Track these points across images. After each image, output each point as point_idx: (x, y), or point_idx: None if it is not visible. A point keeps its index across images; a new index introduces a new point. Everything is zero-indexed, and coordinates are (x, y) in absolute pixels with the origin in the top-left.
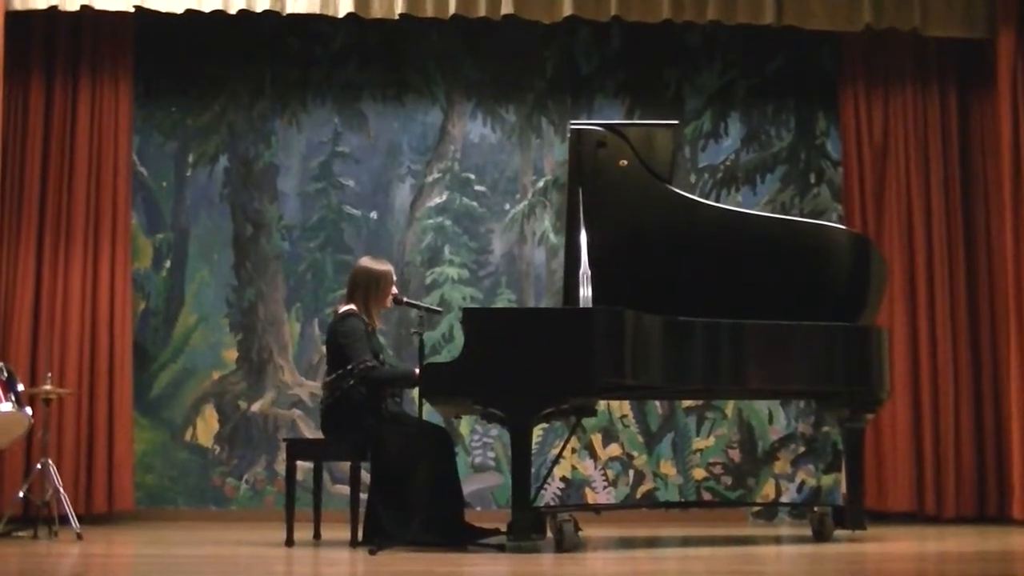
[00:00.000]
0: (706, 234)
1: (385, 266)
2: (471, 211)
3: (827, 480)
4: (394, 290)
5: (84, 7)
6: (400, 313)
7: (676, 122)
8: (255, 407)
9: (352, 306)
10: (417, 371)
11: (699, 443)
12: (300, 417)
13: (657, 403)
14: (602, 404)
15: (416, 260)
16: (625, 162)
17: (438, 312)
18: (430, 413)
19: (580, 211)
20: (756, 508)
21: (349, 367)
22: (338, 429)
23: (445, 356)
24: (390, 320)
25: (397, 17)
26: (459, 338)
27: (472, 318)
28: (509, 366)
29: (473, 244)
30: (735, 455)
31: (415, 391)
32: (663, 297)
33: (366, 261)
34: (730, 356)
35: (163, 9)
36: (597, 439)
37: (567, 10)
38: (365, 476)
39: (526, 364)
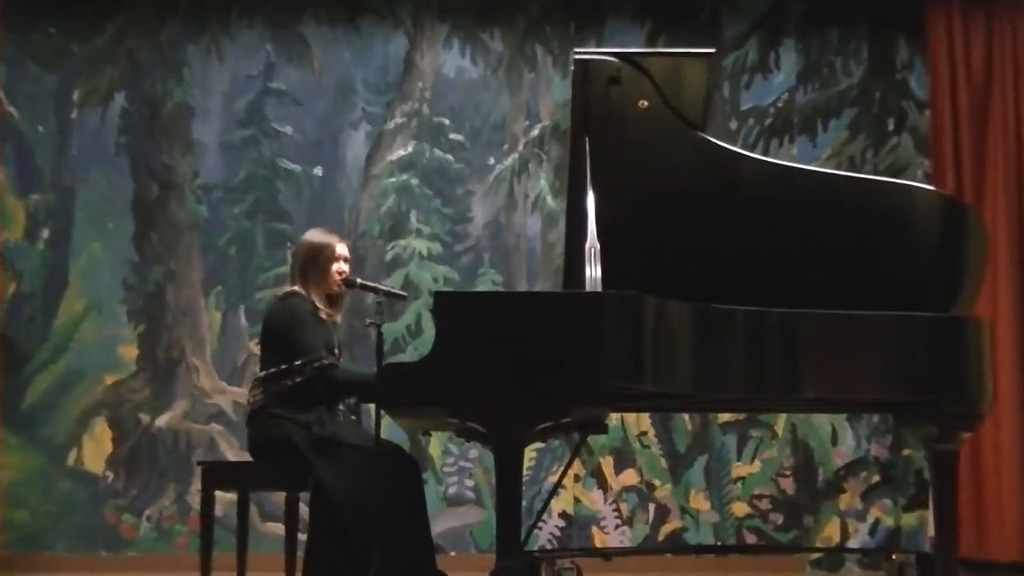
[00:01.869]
0: (750, 197)
1: (322, 238)
2: (445, 167)
3: (909, 519)
4: (341, 267)
5: None
6: (353, 299)
7: (712, 50)
8: (161, 421)
9: (295, 287)
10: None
11: (741, 469)
12: (221, 434)
13: (686, 417)
14: (614, 418)
15: (373, 230)
16: (645, 104)
17: (401, 297)
18: (390, 428)
19: (586, 167)
20: (816, 555)
21: (300, 362)
22: (271, 448)
23: (410, 354)
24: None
25: None
26: (429, 331)
27: (445, 305)
28: (493, 367)
29: (447, 210)
30: (788, 485)
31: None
32: (693, 279)
33: (306, 234)
34: (781, 356)
35: None
36: (608, 463)
37: None
38: (305, 511)
39: (515, 365)
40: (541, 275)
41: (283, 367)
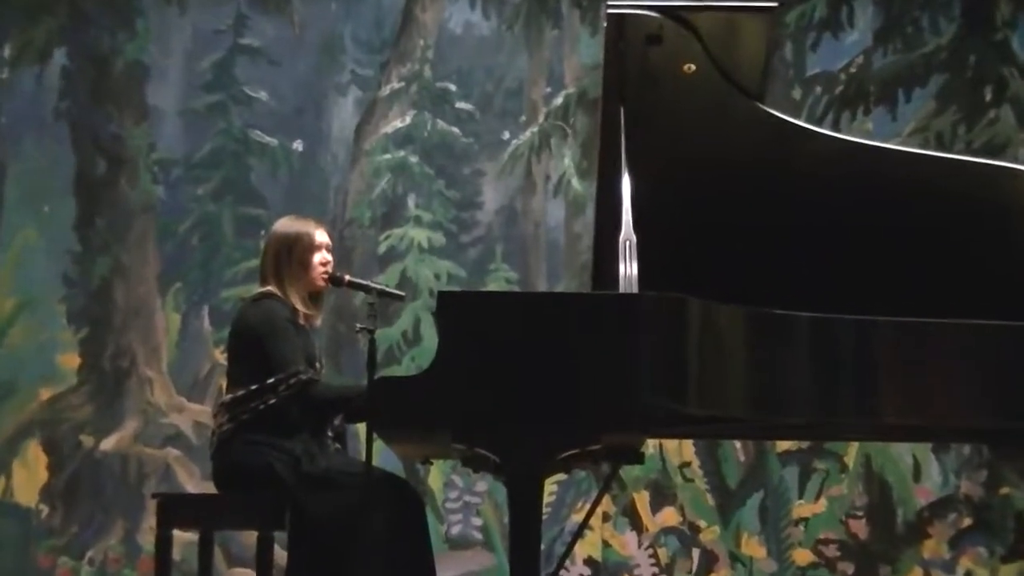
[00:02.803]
0: (817, 181)
1: (299, 226)
2: (450, 142)
3: (1008, 572)
4: (325, 256)
5: None
6: (338, 300)
7: (774, 4)
8: (107, 444)
9: (269, 287)
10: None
11: (803, 508)
12: (179, 460)
13: (737, 445)
14: (651, 445)
15: (363, 217)
16: (692, 67)
17: (397, 297)
18: (384, 455)
19: (620, 144)
20: None
21: (273, 379)
22: (245, 478)
23: (407, 366)
24: (325, 308)
25: None
26: (429, 338)
27: (450, 307)
28: (507, 382)
29: (452, 193)
30: (860, 529)
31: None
32: (748, 278)
33: (279, 222)
34: (854, 372)
35: None
36: (643, 499)
37: None
38: (282, 554)
39: (533, 380)
40: (564, 272)
41: (253, 388)
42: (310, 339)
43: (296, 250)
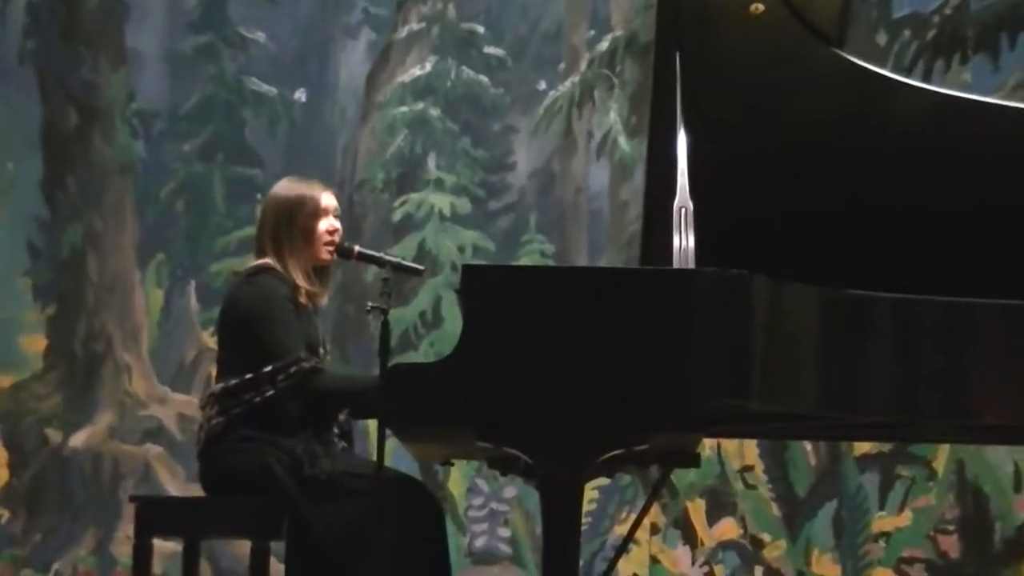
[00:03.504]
0: (905, 141)
1: (301, 188)
2: (477, 93)
3: None
4: (332, 223)
5: None
6: (346, 274)
7: None
8: (77, 440)
9: (266, 260)
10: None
11: (885, 521)
12: (160, 458)
13: (808, 447)
14: (708, 446)
15: (376, 179)
16: (760, 7)
17: (414, 272)
18: (397, 455)
19: (676, 96)
20: None
21: (271, 368)
22: (237, 480)
23: (425, 352)
24: (331, 285)
25: None
26: (452, 320)
27: (476, 285)
28: (541, 372)
29: (480, 153)
30: (951, 545)
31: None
32: (822, 253)
33: (278, 185)
34: (945, 364)
35: None
36: (697, 509)
37: None
38: (279, 568)
39: (571, 369)
40: (608, 245)
41: (247, 377)
42: (313, 321)
43: (299, 217)
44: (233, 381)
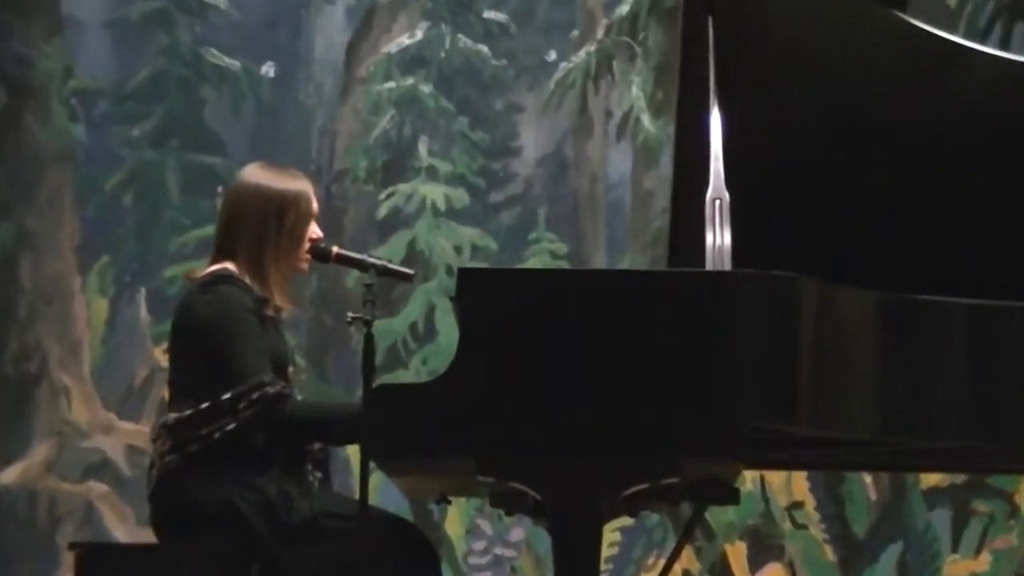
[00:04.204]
0: (977, 116)
1: (292, 182)
2: (476, 66)
3: None
4: (313, 231)
5: None
6: (324, 279)
7: None
8: (8, 476)
9: (227, 264)
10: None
11: (958, 565)
12: (106, 497)
13: (867, 479)
14: (749, 479)
15: (358, 168)
16: None
17: (403, 277)
18: (384, 491)
19: (708, 69)
20: None
21: (230, 394)
22: (190, 520)
23: (417, 370)
24: (302, 295)
25: None
26: (447, 333)
27: (475, 291)
28: (552, 393)
29: (479, 136)
30: None
31: (351, 447)
32: (879, 252)
33: (253, 172)
34: None
35: None
36: (738, 553)
37: None
38: None
39: (587, 390)
40: (631, 243)
41: (203, 407)
42: (280, 335)
43: (289, 217)
44: (187, 411)
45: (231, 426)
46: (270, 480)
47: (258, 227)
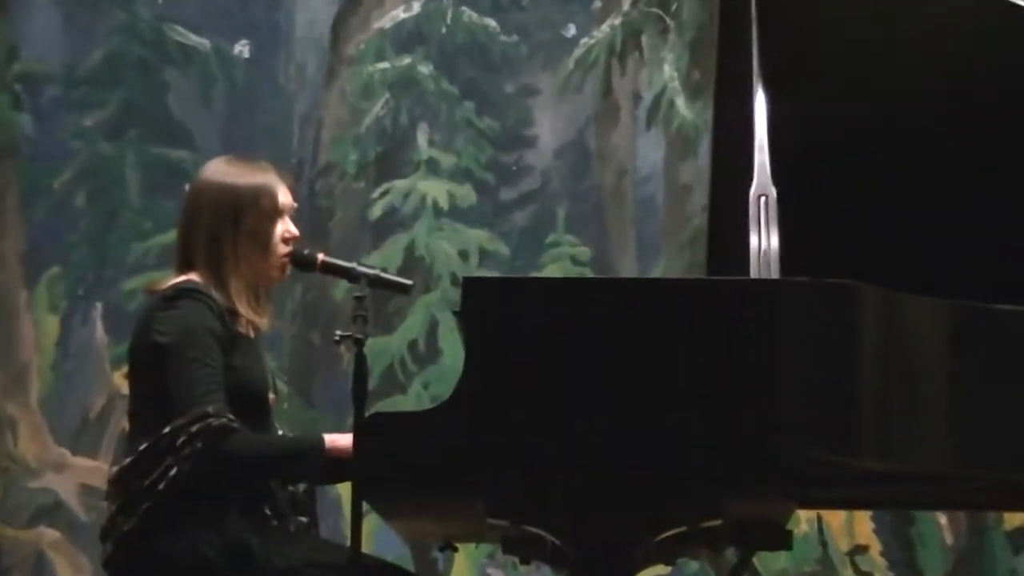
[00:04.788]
0: None
1: (252, 174)
2: (483, 43)
3: None
4: (290, 228)
5: None
6: (309, 291)
7: None
8: None
9: (192, 275)
10: (339, 439)
11: None
12: (57, 546)
13: (942, 519)
14: (804, 520)
15: (347, 162)
16: None
17: (400, 289)
18: (380, 536)
19: (751, 45)
20: None
21: (168, 429)
22: (158, 572)
23: (419, 396)
24: (284, 309)
25: None
26: (451, 352)
27: (483, 305)
28: (572, 422)
29: (488, 123)
30: None
31: (340, 485)
32: (950, 252)
33: (212, 167)
34: None
35: None
36: None
37: None
38: None
39: (613, 417)
40: (664, 246)
41: (143, 448)
42: (258, 355)
43: (248, 216)
44: (129, 459)
45: (174, 470)
46: (237, 523)
47: (213, 229)
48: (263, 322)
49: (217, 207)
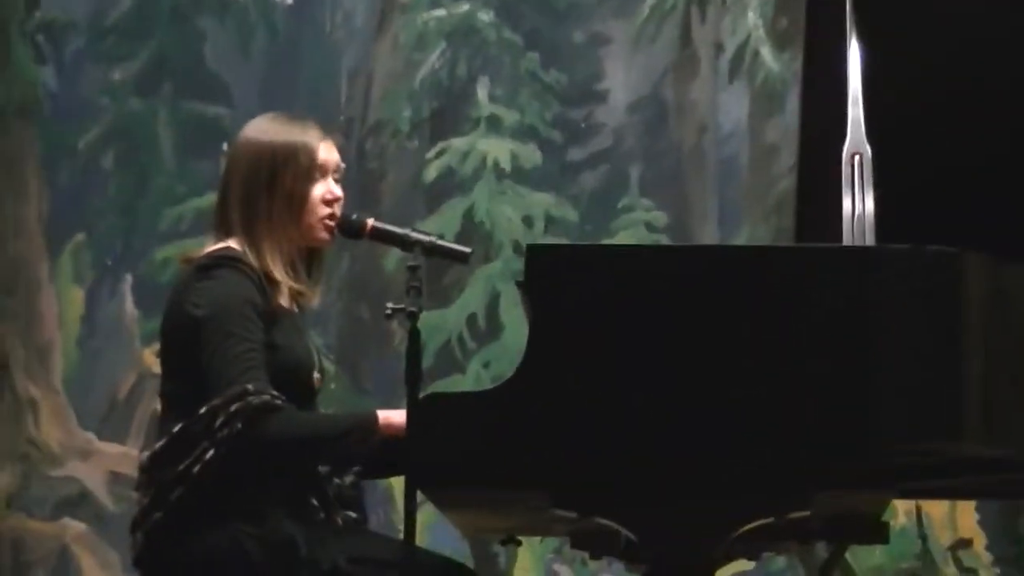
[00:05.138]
0: None
1: (291, 131)
2: None
3: None
4: (333, 189)
5: None
6: (357, 260)
7: None
8: None
9: (230, 242)
10: (393, 415)
11: None
12: (82, 538)
13: None
14: (901, 511)
15: (400, 119)
16: None
17: (457, 257)
18: (437, 529)
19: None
20: None
21: (204, 409)
22: (196, 569)
23: (478, 375)
24: (331, 282)
25: None
26: (514, 327)
27: (550, 275)
28: (648, 404)
29: (555, 76)
30: None
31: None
32: None
33: (253, 125)
34: None
35: None
36: None
37: None
38: None
39: (692, 399)
40: (749, 210)
41: (176, 430)
42: (301, 332)
43: (283, 175)
44: (161, 442)
45: (210, 454)
46: (282, 516)
47: (248, 190)
48: (309, 295)
49: (252, 166)
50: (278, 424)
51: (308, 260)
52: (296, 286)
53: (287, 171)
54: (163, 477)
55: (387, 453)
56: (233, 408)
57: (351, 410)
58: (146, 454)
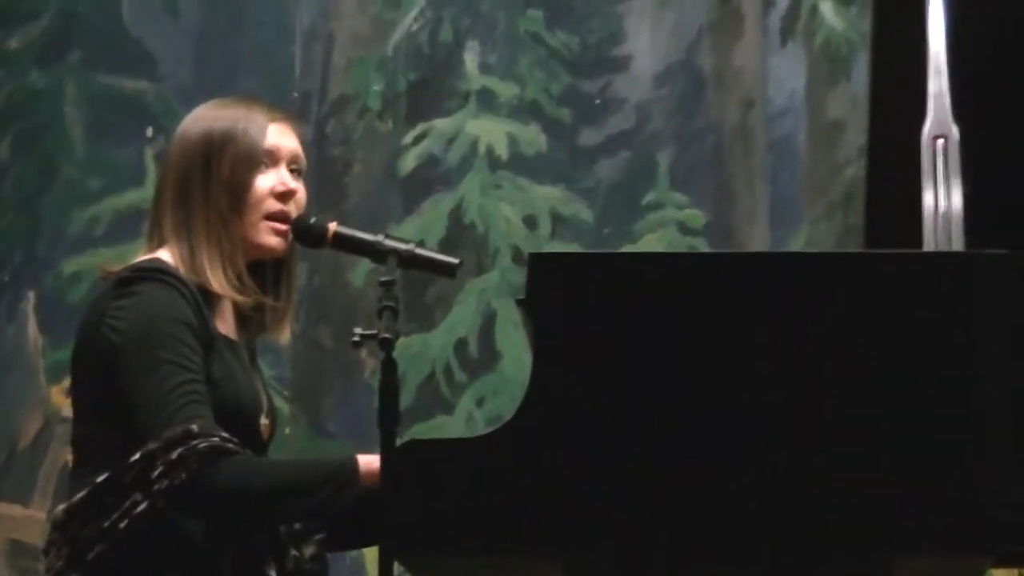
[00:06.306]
0: None
1: (228, 109)
2: None
3: None
4: (287, 181)
5: None
6: (318, 272)
7: None
8: None
9: (161, 253)
10: (376, 462)
11: None
12: None
13: None
14: None
15: (369, 94)
16: None
17: (443, 269)
18: None
19: None
20: None
21: (137, 455)
22: None
23: (467, 415)
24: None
25: None
26: (513, 354)
27: (558, 288)
28: (683, 451)
29: (563, 38)
30: None
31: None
32: None
33: (197, 113)
34: None
35: None
36: None
37: None
38: None
39: (739, 443)
40: (809, 204)
41: (100, 481)
42: (243, 361)
43: (220, 163)
44: (80, 494)
45: (142, 507)
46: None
47: (181, 188)
48: (272, 323)
49: (186, 159)
50: (230, 473)
51: (275, 275)
52: (241, 298)
53: (224, 156)
54: (81, 534)
55: (359, 515)
56: (175, 455)
57: (315, 458)
58: (60, 508)
